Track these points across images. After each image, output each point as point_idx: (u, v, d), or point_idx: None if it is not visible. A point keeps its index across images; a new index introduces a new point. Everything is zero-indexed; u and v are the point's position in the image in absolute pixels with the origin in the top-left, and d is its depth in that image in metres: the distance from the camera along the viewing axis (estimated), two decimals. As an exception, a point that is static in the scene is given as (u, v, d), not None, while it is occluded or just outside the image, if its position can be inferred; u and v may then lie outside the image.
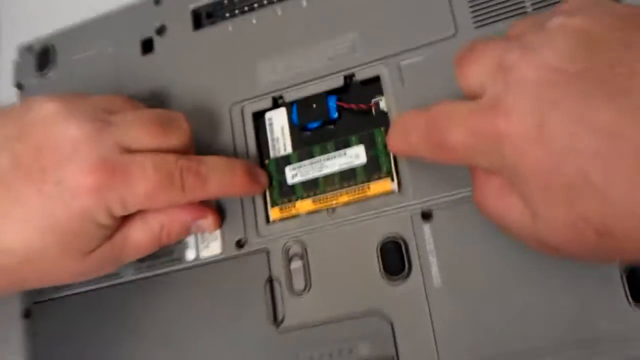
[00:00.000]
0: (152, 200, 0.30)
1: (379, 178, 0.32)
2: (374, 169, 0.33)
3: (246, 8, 0.38)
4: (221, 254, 0.35)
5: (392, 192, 0.32)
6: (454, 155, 0.26)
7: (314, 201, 0.33)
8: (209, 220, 0.34)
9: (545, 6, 0.31)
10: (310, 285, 0.32)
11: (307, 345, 0.32)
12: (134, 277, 0.36)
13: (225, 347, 0.33)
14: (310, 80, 0.35)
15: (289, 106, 0.36)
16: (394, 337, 0.30)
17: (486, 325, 0.29)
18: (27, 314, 0.38)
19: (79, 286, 0.37)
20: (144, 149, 0.31)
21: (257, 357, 0.33)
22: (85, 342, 0.36)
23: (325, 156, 0.34)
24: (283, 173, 0.34)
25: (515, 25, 0.28)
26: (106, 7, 0.42)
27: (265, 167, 0.35)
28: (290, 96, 0.35)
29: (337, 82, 0.35)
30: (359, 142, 0.33)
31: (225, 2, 0.38)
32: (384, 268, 0.31)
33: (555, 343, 0.28)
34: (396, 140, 0.30)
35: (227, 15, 0.38)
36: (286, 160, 0.34)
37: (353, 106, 0.34)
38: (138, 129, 0.31)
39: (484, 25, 0.32)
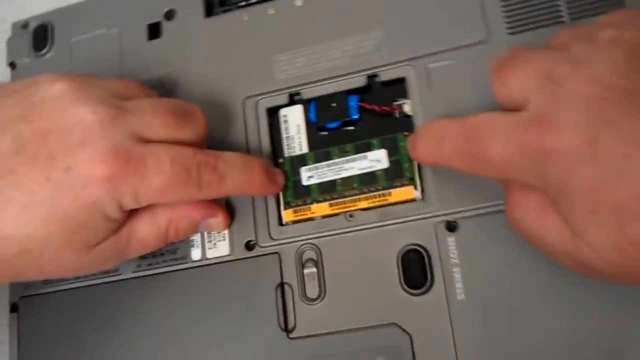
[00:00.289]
0: (167, 195, 0.29)
1: (401, 185, 0.31)
2: (395, 174, 0.31)
3: (264, -3, 0.36)
4: (229, 255, 0.33)
5: (414, 200, 0.31)
6: (493, 169, 0.25)
7: (330, 205, 0.32)
8: (219, 219, 0.32)
9: (583, 17, 0.30)
10: (325, 292, 0.31)
11: (319, 356, 0.30)
12: (133, 275, 0.34)
13: (230, 352, 0.32)
14: (331, 78, 0.34)
15: (305, 103, 0.34)
16: (413, 351, 0.29)
17: (510, 344, 0.28)
18: (13, 308, 0.36)
19: (72, 281, 0.35)
20: (159, 140, 0.29)
21: (266, 365, 0.31)
22: (74, 341, 0.34)
23: (345, 158, 0.32)
24: (298, 173, 0.33)
25: (559, 35, 0.27)
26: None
27: (279, 166, 0.33)
28: (308, 93, 0.34)
29: (359, 81, 0.33)
30: (381, 146, 0.32)
31: (241, -11, 0.37)
32: (404, 278, 0.30)
33: (585, 369, 0.27)
34: (427, 148, 0.28)
35: (242, 3, 0.36)
36: (302, 160, 0.33)
37: (375, 107, 0.33)
38: (154, 118, 0.29)
39: (517, 32, 0.31)
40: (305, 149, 0.34)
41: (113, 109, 0.28)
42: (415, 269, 0.30)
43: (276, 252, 0.32)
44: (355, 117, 0.33)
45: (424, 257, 0.30)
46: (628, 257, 0.22)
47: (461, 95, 0.31)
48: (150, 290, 0.34)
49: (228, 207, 0.33)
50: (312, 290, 0.31)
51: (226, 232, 0.33)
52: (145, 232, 0.31)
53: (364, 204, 0.32)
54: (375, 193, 0.31)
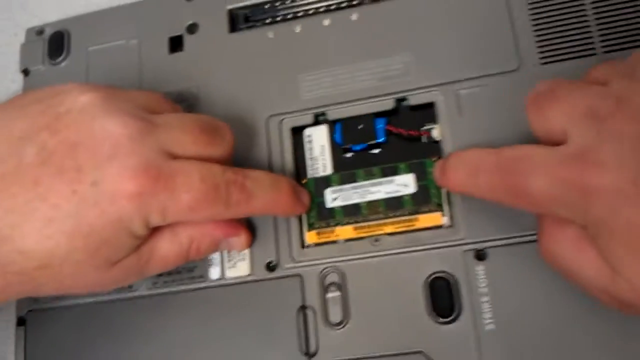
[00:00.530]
0: (194, 212, 0.28)
1: (429, 211, 0.31)
2: (423, 200, 0.31)
3: (290, 15, 0.36)
4: (249, 275, 0.32)
5: (442, 227, 0.31)
6: (530, 203, 0.25)
7: (355, 228, 0.32)
8: (241, 239, 0.31)
9: (615, 50, 0.31)
10: (349, 317, 0.30)
11: (342, 382, 0.30)
12: (148, 292, 0.33)
13: (248, 376, 0.31)
14: (358, 100, 0.33)
15: (330, 124, 0.34)
16: (438, 380, 0.29)
17: (539, 377, 0.28)
18: (20, 322, 0.35)
19: (83, 297, 0.34)
20: (188, 156, 0.28)
21: (286, 390, 0.30)
22: (82, 358, 0.33)
23: (371, 182, 0.32)
24: (322, 195, 0.32)
25: (597, 69, 0.26)
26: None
27: (303, 186, 0.33)
28: (334, 114, 0.33)
29: (387, 104, 0.33)
30: (409, 170, 0.31)
31: (267, 6, 0.36)
32: (431, 306, 0.30)
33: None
34: (459, 177, 0.28)
35: (268, 20, 0.36)
36: (326, 181, 0.32)
37: (403, 131, 0.32)
38: (182, 134, 0.28)
39: (549, 62, 0.31)
40: (329, 171, 0.33)
41: (142, 122, 0.28)
42: (443, 297, 0.30)
43: (298, 275, 0.32)
44: (382, 140, 0.33)
45: (451, 285, 0.30)
46: None
47: (491, 123, 0.31)
48: (165, 308, 0.33)
49: (249, 227, 0.32)
50: (335, 315, 0.31)
51: (247, 251, 0.32)
52: (167, 249, 0.30)
53: (389, 229, 0.31)
54: (402, 218, 0.31)
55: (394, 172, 0.32)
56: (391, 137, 0.33)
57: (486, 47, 0.32)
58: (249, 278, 0.32)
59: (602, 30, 0.31)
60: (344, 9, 0.35)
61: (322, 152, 0.33)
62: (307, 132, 0.34)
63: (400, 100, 0.33)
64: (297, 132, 0.34)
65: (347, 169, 0.33)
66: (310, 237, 0.32)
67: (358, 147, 0.33)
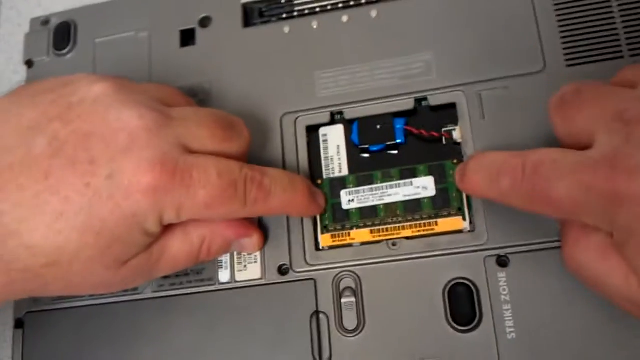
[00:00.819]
0: (211, 210, 0.27)
1: (449, 215, 0.30)
2: (443, 203, 0.30)
3: (306, 10, 0.35)
4: (260, 279, 0.31)
5: (462, 232, 0.30)
6: (555, 209, 0.24)
7: (372, 231, 0.30)
8: (253, 240, 0.30)
9: (644, 53, 0.30)
10: (364, 324, 0.29)
11: (356, 391, 0.29)
12: (153, 295, 0.32)
13: (258, 382, 0.30)
14: (376, 99, 0.32)
15: (347, 123, 0.33)
16: (458, 390, 0.28)
17: (562, 388, 0.27)
18: (18, 324, 0.33)
19: (85, 298, 0.33)
20: (205, 152, 0.27)
21: (298, 397, 0.29)
22: (82, 362, 0.32)
23: (389, 183, 0.31)
24: (338, 196, 0.31)
25: (624, 72, 0.26)
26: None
27: (318, 187, 0.32)
28: (351, 113, 0.32)
29: (407, 104, 0.32)
30: (428, 172, 0.30)
31: (283, 0, 0.35)
32: (450, 313, 0.28)
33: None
34: (481, 182, 0.27)
35: (284, 15, 0.35)
36: (342, 182, 0.31)
37: (423, 132, 0.31)
38: (199, 128, 0.27)
39: (575, 64, 0.30)
40: (345, 171, 0.32)
41: (159, 114, 0.26)
42: (463, 304, 0.29)
43: (311, 279, 0.30)
44: (401, 140, 0.32)
45: (472, 291, 0.29)
46: None
47: (513, 126, 0.30)
48: (171, 312, 0.32)
49: (261, 228, 0.31)
50: (350, 321, 0.30)
51: (258, 254, 0.31)
52: (178, 249, 0.29)
53: (407, 233, 0.30)
54: (421, 222, 0.30)
55: (413, 174, 0.31)
56: (410, 137, 0.32)
57: (510, 48, 0.31)
58: (260, 282, 0.31)
59: (630, 33, 0.30)
60: (363, 5, 0.34)
61: (337, 152, 0.32)
62: (323, 131, 0.33)
63: (420, 100, 0.32)
64: (312, 131, 0.33)
65: (363, 170, 0.32)
66: (325, 239, 0.31)
67: (376, 148, 0.32)
